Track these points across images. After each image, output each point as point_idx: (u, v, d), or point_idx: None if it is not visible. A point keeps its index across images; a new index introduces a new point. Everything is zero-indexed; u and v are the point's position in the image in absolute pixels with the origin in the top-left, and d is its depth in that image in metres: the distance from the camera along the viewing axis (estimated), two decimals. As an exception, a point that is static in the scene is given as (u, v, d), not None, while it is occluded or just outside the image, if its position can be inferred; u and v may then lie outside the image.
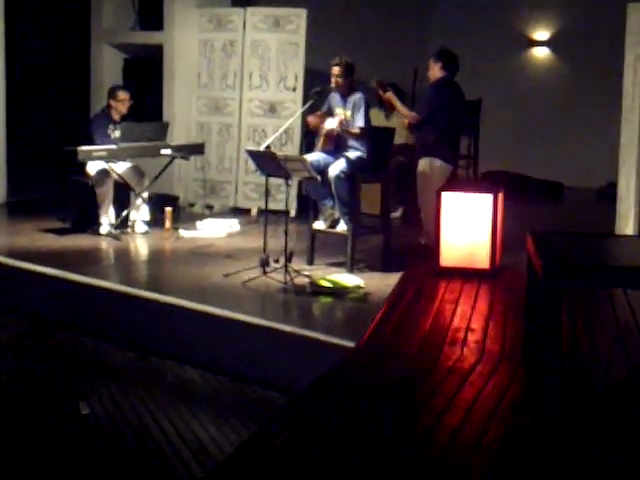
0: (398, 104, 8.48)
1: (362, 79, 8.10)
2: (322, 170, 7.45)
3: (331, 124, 7.65)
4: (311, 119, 7.88)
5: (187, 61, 11.14)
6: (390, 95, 8.43)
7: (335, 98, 7.80)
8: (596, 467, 3.80)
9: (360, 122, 7.62)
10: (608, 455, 3.91)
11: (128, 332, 6.82)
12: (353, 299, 6.81)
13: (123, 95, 9.21)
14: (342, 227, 7.67)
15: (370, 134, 7.71)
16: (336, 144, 7.70)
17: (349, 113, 7.68)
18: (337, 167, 7.46)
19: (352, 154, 7.61)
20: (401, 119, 9.19)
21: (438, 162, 8.13)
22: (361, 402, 4.56)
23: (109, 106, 9.21)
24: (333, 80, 7.68)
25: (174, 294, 6.76)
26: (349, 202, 7.54)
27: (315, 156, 7.63)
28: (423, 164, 8.18)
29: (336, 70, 7.65)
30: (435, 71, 8.25)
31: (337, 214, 7.69)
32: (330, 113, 7.81)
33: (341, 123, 7.63)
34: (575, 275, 4.69)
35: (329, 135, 7.67)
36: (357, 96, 7.67)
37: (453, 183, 8.09)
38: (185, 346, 6.49)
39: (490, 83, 13.12)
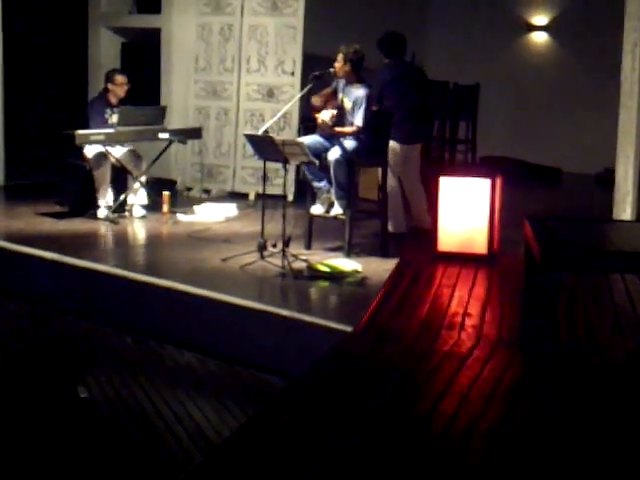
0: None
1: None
2: (320, 154, 7.44)
3: (324, 115, 7.62)
4: (315, 100, 7.83)
5: (185, 45, 11.09)
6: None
7: (341, 83, 7.78)
8: (592, 452, 3.81)
9: (358, 121, 7.55)
10: (605, 440, 3.92)
11: (126, 316, 6.83)
12: (350, 283, 6.81)
13: (121, 79, 9.16)
14: (336, 210, 7.64)
15: (367, 128, 7.64)
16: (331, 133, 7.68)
17: (349, 105, 7.65)
18: (337, 151, 7.42)
19: (348, 142, 7.57)
20: None
21: (392, 144, 8.04)
22: (358, 386, 4.57)
23: (107, 90, 9.17)
24: (334, 68, 7.66)
25: (172, 278, 6.76)
26: (346, 186, 7.50)
27: (313, 140, 7.62)
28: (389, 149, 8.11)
29: (338, 59, 7.63)
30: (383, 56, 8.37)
31: (333, 197, 7.67)
32: (335, 94, 7.81)
33: (331, 118, 7.59)
34: (573, 260, 4.69)
35: (323, 123, 7.64)
36: (360, 93, 7.57)
37: (451, 167, 8.09)
38: (183, 330, 6.50)
39: (488, 68, 13.12)
